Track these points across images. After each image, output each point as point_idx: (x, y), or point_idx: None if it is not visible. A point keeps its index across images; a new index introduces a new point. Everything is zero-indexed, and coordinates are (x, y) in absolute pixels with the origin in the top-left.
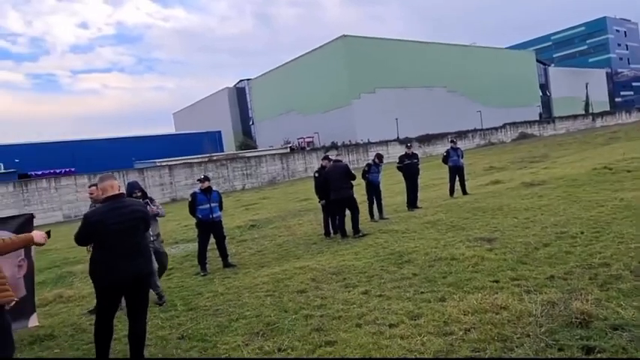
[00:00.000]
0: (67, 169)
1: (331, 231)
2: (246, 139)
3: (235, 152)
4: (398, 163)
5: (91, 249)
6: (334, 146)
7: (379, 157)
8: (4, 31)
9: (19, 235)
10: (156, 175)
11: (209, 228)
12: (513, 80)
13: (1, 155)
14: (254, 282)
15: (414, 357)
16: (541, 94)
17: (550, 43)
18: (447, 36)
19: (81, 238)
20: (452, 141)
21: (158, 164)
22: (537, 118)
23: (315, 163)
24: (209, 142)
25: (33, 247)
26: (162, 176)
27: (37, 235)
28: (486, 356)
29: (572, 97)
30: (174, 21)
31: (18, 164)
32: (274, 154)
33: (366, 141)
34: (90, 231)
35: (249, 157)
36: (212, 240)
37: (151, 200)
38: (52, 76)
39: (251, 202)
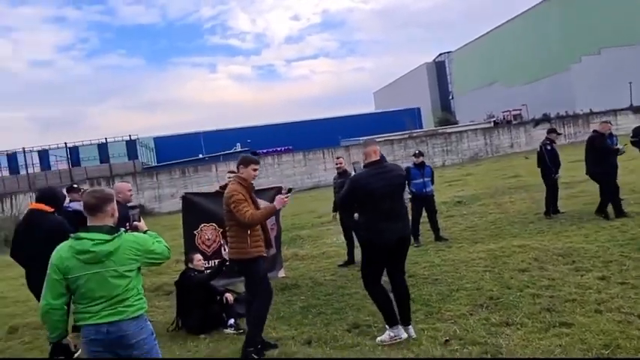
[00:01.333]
0: (286, 147)
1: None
2: (446, 114)
3: (435, 128)
4: (632, 136)
5: (337, 216)
6: (546, 119)
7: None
8: (236, 31)
9: (265, 207)
10: (360, 152)
11: (422, 202)
12: None
13: (237, 136)
14: (470, 256)
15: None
16: None
17: None
18: None
19: (345, 200)
20: None
21: (362, 141)
22: None
23: (522, 137)
24: (408, 118)
25: (280, 215)
26: (361, 157)
27: (277, 201)
28: None
29: None
30: (373, 2)
31: (250, 144)
32: (476, 129)
33: (588, 111)
34: (355, 194)
35: (449, 133)
36: (423, 214)
37: None
38: (271, 67)
39: (454, 179)
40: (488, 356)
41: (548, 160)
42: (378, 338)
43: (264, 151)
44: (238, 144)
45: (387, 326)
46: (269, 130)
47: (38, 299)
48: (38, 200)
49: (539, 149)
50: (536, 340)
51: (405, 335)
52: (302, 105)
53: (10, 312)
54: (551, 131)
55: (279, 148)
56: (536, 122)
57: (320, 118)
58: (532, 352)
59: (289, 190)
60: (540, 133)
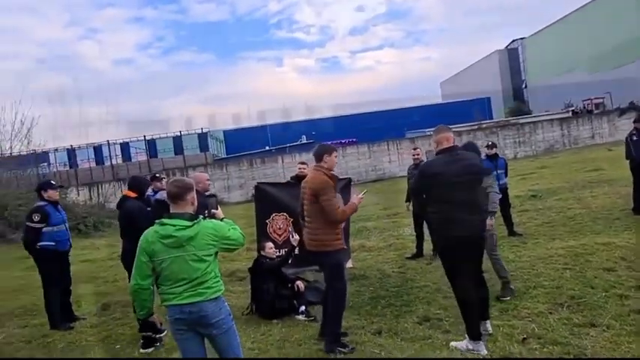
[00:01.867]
0: (350, 139)
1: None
2: (519, 103)
3: (506, 119)
4: None
5: (410, 207)
6: (633, 107)
7: None
8: (302, 24)
9: (349, 205)
10: (425, 143)
11: None
12: None
13: (302, 129)
14: (547, 253)
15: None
16: None
17: None
18: None
19: (417, 188)
20: None
21: (428, 133)
22: None
23: (605, 127)
24: (477, 109)
25: None
26: (432, 144)
27: (357, 201)
28: None
29: None
30: None
31: (315, 136)
32: (552, 120)
33: None
34: (426, 182)
35: (522, 124)
36: None
37: None
38: (335, 59)
39: (527, 172)
40: (571, 357)
41: (633, 152)
42: (454, 343)
43: (329, 143)
44: (304, 136)
45: (467, 335)
46: (333, 122)
47: (125, 273)
48: (128, 187)
49: (625, 140)
50: (626, 344)
51: (485, 352)
52: (366, 96)
53: (102, 290)
54: (637, 120)
55: (343, 140)
56: (622, 111)
57: (385, 110)
58: (621, 355)
59: (364, 192)
60: (626, 123)
